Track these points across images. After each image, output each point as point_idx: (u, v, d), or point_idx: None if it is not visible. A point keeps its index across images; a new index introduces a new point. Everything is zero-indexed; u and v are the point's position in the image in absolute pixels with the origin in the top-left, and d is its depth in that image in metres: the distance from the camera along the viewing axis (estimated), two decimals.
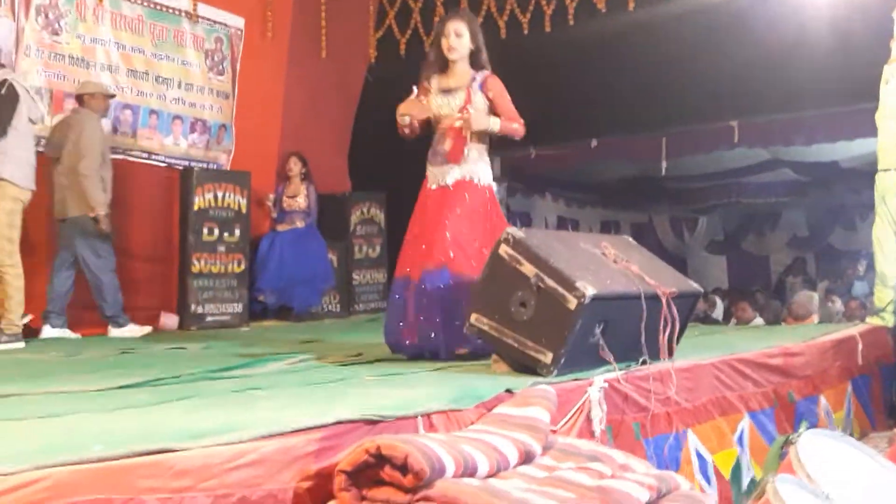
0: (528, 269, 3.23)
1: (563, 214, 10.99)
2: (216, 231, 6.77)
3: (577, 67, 7.72)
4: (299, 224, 7.40)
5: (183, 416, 2.30)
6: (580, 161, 9.48)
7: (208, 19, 7.26)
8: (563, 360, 3.16)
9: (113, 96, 6.18)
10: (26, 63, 6.10)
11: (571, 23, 7.44)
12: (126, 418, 2.34)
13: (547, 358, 3.16)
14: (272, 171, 7.68)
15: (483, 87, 3.99)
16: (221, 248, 6.81)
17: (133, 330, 5.82)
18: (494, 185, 4.07)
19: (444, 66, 4.02)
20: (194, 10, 7.12)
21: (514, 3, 7.79)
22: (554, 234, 4.22)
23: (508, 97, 4.03)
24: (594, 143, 8.69)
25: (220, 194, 6.88)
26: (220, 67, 7.42)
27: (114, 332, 5.77)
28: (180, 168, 6.97)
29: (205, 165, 7.16)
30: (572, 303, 3.11)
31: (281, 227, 7.40)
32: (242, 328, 6.70)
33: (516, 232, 3.33)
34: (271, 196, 7.45)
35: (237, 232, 6.91)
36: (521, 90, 7.58)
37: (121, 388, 3.02)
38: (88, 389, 2.96)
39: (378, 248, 8.19)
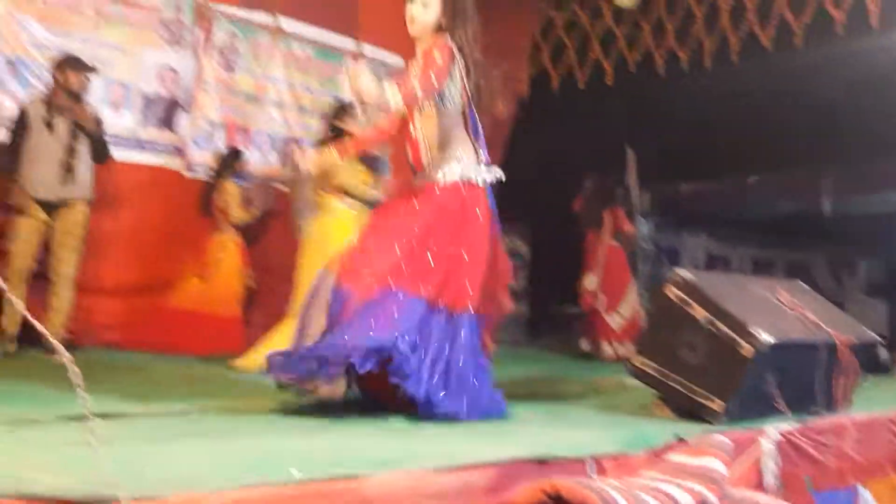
0: (698, 312, 3.14)
1: (713, 252, 10.64)
2: None
3: (734, 103, 7.51)
4: None
5: (363, 442, 2.37)
6: (733, 197, 9.18)
7: (370, 58, 7.56)
8: (733, 409, 3.05)
9: None
10: (204, 98, 6.55)
11: (735, 61, 7.25)
12: (307, 439, 2.43)
13: (716, 405, 3.06)
14: None
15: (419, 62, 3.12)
16: None
17: None
18: (473, 178, 3.23)
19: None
20: (359, 50, 7.42)
21: (672, 39, 7.68)
22: (725, 277, 4.09)
23: (438, 59, 3.11)
24: (751, 179, 8.40)
25: None
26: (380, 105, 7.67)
27: None
28: None
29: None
30: (747, 349, 3.00)
31: None
32: None
33: (685, 273, 3.25)
34: None
35: None
36: (675, 125, 7.50)
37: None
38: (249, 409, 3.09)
39: (522, 281, 8.19)
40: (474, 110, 3.39)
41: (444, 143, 3.19)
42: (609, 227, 6.74)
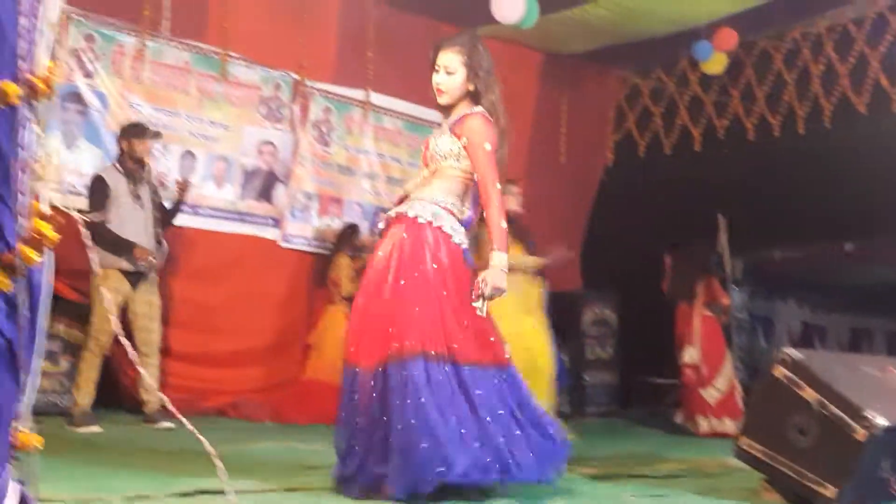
0: (808, 393, 3.05)
1: (808, 321, 10.28)
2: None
3: (828, 167, 7.33)
4: None
5: None
6: (829, 264, 8.88)
7: None
8: (847, 496, 2.93)
9: None
10: (300, 171, 6.79)
11: (827, 125, 7.14)
12: None
13: (829, 492, 2.94)
14: None
15: (456, 124, 3.10)
16: None
17: None
18: (450, 229, 3.05)
19: (444, 110, 3.22)
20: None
21: (763, 104, 7.62)
22: (834, 357, 3.97)
23: (487, 145, 3.04)
24: (849, 246, 8.13)
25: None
26: None
27: None
28: None
29: None
30: (860, 433, 2.90)
31: None
32: None
33: (794, 353, 3.17)
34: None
35: None
36: (767, 190, 7.35)
37: None
38: None
39: (610, 350, 8.08)
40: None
41: (433, 196, 3.09)
42: (703, 298, 6.61)
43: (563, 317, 7.69)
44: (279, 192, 6.69)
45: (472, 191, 3.12)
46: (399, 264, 2.98)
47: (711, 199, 7.64)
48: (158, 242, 5.21)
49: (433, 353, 2.84)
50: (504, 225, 2.99)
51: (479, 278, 2.94)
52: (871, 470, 2.99)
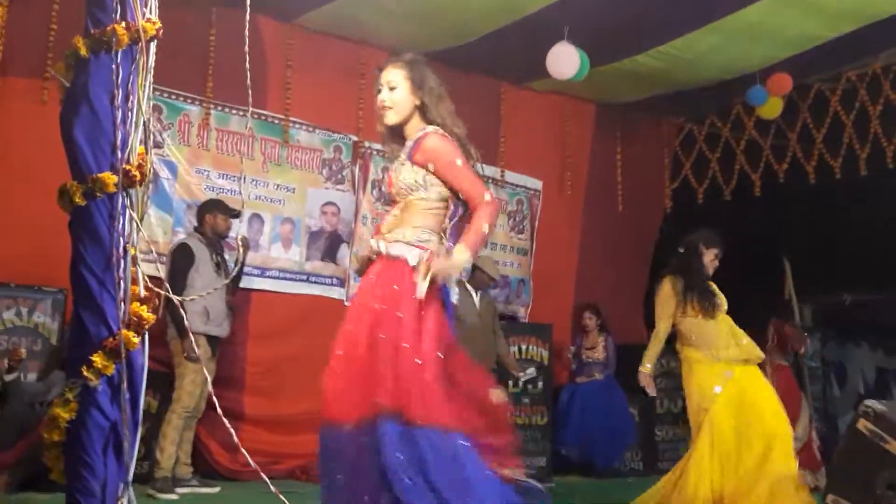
0: (895, 447, 2.96)
1: (882, 365, 9.95)
2: (520, 383, 6.96)
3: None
4: (598, 376, 7.38)
5: None
6: None
7: (511, 184, 7.79)
8: None
9: (494, 281, 6.63)
10: (363, 230, 6.90)
11: (890, 166, 7.02)
12: None
13: None
14: (568, 321, 7.83)
15: (413, 152, 2.86)
16: (526, 401, 6.98)
17: None
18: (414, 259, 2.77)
19: (395, 134, 3.00)
20: (502, 176, 7.68)
21: (822, 147, 7.53)
22: None
23: (456, 159, 2.82)
24: None
25: (522, 346, 7.12)
26: (521, 226, 7.86)
27: None
28: None
29: (507, 319, 7.48)
30: None
31: (580, 380, 7.42)
32: (548, 484, 6.70)
33: (877, 405, 3.09)
34: (571, 349, 7.55)
35: (540, 384, 7.05)
36: (832, 233, 7.22)
37: None
38: None
39: (680, 403, 7.90)
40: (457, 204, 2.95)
41: (407, 233, 2.83)
42: (775, 345, 6.47)
43: (630, 371, 7.57)
44: (343, 251, 6.80)
45: (450, 220, 2.88)
46: (379, 313, 2.72)
47: (775, 245, 7.54)
48: (229, 308, 5.38)
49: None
50: (486, 231, 2.77)
51: (433, 258, 2.72)
52: None
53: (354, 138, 6.92)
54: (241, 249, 5.39)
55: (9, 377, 4.98)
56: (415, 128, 2.91)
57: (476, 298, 6.43)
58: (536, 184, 7.97)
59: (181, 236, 5.69)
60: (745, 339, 4.52)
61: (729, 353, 4.42)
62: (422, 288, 2.67)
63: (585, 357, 7.50)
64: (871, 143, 7.23)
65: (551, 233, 7.94)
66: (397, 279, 2.73)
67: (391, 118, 2.93)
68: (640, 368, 4.62)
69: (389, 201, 3.00)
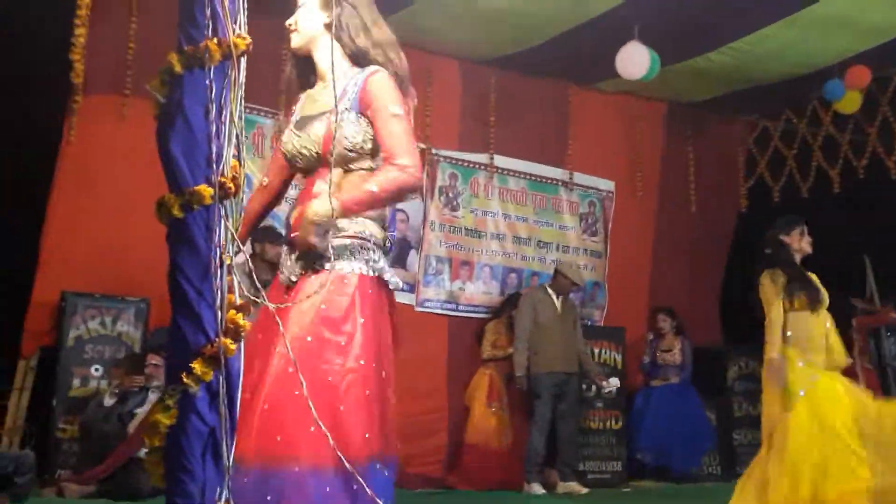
0: None
1: None
2: (594, 387, 6.89)
3: None
4: (674, 379, 7.25)
5: None
6: None
7: (582, 186, 7.73)
8: None
9: (577, 286, 6.66)
10: (431, 236, 6.95)
11: None
12: None
13: None
14: (643, 325, 7.73)
15: (361, 98, 2.29)
16: (600, 404, 6.91)
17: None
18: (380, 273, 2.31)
19: (307, 72, 2.44)
20: (570, 179, 7.64)
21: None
22: None
23: (394, 109, 2.27)
24: None
25: (596, 350, 7.05)
26: (594, 229, 7.79)
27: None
28: None
29: (581, 323, 7.41)
30: None
31: (655, 383, 7.32)
32: (623, 489, 6.62)
33: None
34: (645, 358, 7.41)
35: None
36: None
37: None
38: None
39: (760, 405, 7.70)
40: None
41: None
42: (860, 346, 6.28)
43: (706, 374, 7.44)
44: (412, 258, 6.85)
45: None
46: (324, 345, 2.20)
47: (855, 242, 7.30)
48: None
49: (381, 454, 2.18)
50: (372, 191, 2.20)
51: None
52: None
53: (423, 146, 6.95)
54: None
55: (109, 402, 5.15)
56: (327, 60, 2.28)
57: (557, 302, 6.44)
58: (609, 185, 7.90)
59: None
60: (836, 343, 4.36)
61: (817, 357, 4.27)
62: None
63: (661, 360, 7.38)
64: None
65: (625, 235, 7.85)
66: (360, 303, 2.24)
67: (294, 40, 2.40)
68: (769, 357, 4.41)
69: (301, 167, 2.37)
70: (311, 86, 2.44)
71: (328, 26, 2.33)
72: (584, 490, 6.16)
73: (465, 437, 6.41)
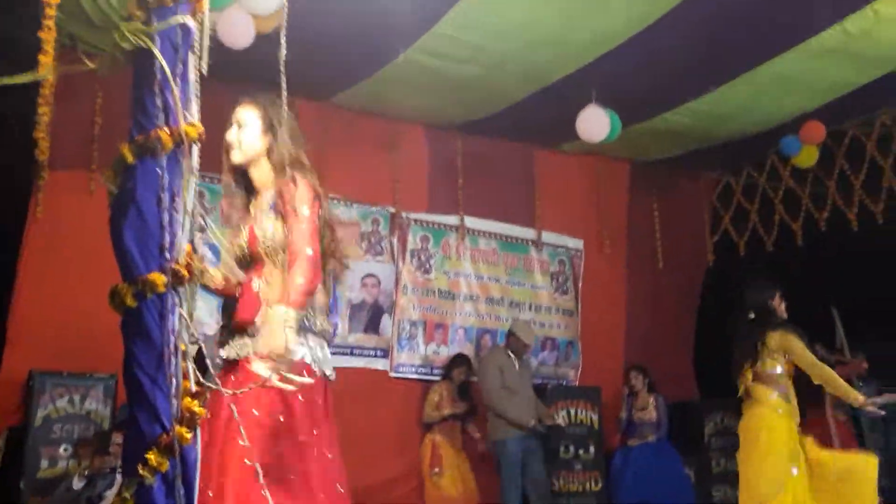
0: None
1: None
2: (572, 448, 6.85)
3: None
4: (650, 438, 7.21)
5: None
6: None
7: (552, 244, 7.81)
8: None
9: (528, 346, 6.65)
10: (404, 300, 6.95)
11: None
12: None
13: None
14: (619, 383, 7.72)
15: (277, 205, 2.61)
16: (578, 466, 6.86)
17: None
18: (314, 365, 2.55)
19: (245, 183, 2.75)
20: (539, 238, 7.71)
21: (862, 192, 7.44)
22: None
23: (305, 209, 2.56)
24: None
25: (572, 411, 7.03)
26: (565, 287, 7.84)
27: None
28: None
29: (556, 383, 7.41)
30: None
31: (632, 442, 7.26)
32: None
33: None
34: (622, 416, 7.39)
35: (592, 449, 6.95)
36: (883, 280, 7.06)
37: None
38: None
39: (736, 462, 7.68)
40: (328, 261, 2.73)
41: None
42: (832, 398, 6.31)
43: (682, 430, 7.43)
44: (385, 322, 6.84)
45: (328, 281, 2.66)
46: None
47: (821, 294, 7.39)
48: None
49: None
50: (301, 283, 2.44)
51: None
52: None
53: (392, 210, 7.02)
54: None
55: (78, 484, 5.05)
56: (263, 174, 2.69)
57: (517, 362, 6.44)
58: (577, 243, 7.98)
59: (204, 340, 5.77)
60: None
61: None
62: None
63: (637, 418, 7.36)
64: None
65: (596, 292, 7.90)
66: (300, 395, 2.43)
67: (235, 157, 2.70)
68: (855, 401, 4.57)
69: (243, 264, 2.68)
70: (252, 196, 2.76)
71: (268, 149, 2.69)
72: None
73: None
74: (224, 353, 2.55)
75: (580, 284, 7.91)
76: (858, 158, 7.44)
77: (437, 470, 6.33)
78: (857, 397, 4.57)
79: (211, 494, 2.18)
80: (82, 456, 5.24)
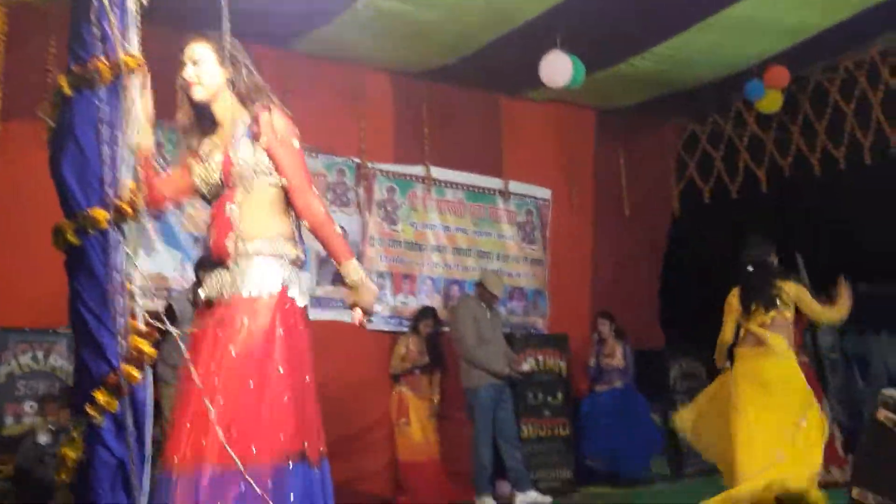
0: None
1: None
2: (540, 395, 6.92)
3: None
4: (617, 383, 7.32)
5: None
6: None
7: (519, 194, 7.79)
8: None
9: (496, 298, 6.60)
10: (371, 251, 6.91)
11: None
12: None
13: None
14: (586, 331, 7.79)
15: (253, 131, 2.60)
16: (547, 413, 6.93)
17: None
18: (296, 292, 2.60)
19: (202, 119, 2.70)
20: (506, 188, 7.68)
21: (825, 138, 7.49)
22: None
23: (295, 142, 2.63)
24: None
25: (540, 358, 7.08)
26: (532, 237, 7.85)
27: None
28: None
29: (524, 331, 7.45)
30: None
31: (599, 388, 7.37)
32: (573, 495, 6.65)
33: (894, 393, 3.05)
34: (591, 362, 7.47)
35: (560, 395, 7.02)
36: (845, 225, 7.18)
37: None
38: None
39: None
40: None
41: (260, 233, 2.56)
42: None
43: (648, 376, 7.53)
44: None
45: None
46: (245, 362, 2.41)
47: (785, 239, 7.47)
48: None
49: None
50: (339, 230, 2.64)
51: (351, 303, 2.59)
52: None
53: (357, 160, 6.94)
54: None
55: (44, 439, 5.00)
56: (226, 106, 2.65)
57: (488, 312, 6.45)
58: (545, 193, 7.96)
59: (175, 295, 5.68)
60: None
61: None
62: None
63: (604, 364, 7.45)
64: (874, 130, 7.18)
65: (563, 242, 7.92)
66: (272, 326, 2.49)
67: (197, 93, 2.62)
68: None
69: (208, 196, 2.64)
70: (210, 130, 2.69)
71: (229, 81, 2.63)
72: (547, 499, 6.15)
73: (398, 455, 6.38)
74: (204, 293, 2.53)
75: (548, 234, 7.91)
76: (822, 104, 7.48)
77: (404, 420, 6.39)
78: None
79: (189, 426, 2.23)
80: (48, 412, 5.19)
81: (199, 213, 6.13)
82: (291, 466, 2.35)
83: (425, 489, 6.14)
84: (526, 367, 6.74)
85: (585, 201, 8.11)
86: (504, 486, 6.33)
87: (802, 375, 4.71)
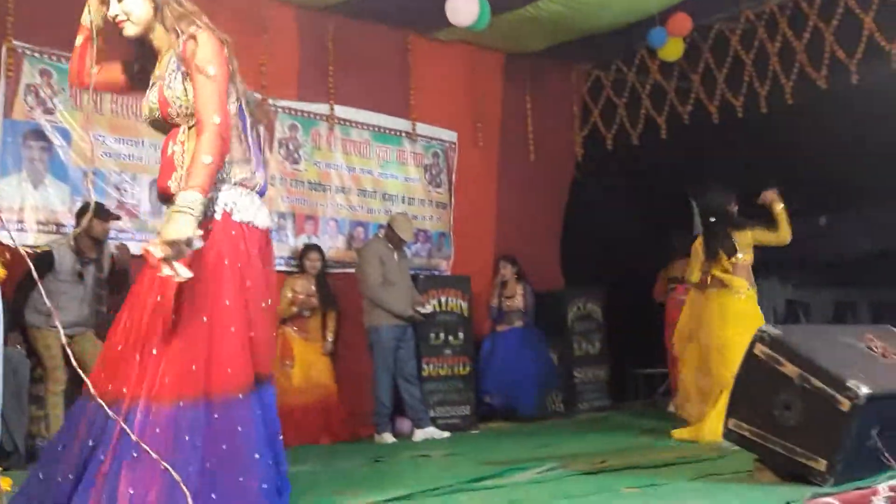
0: (789, 369, 3.07)
1: (791, 298, 10.35)
2: (442, 335, 6.99)
3: (797, 145, 7.41)
4: (518, 324, 7.48)
5: None
6: (807, 240, 8.92)
7: (426, 136, 7.73)
8: (839, 467, 2.94)
9: (404, 242, 6.58)
10: (272, 191, 6.74)
11: (790, 103, 7.21)
12: None
13: (821, 465, 2.96)
14: (489, 273, 7.88)
15: (182, 58, 2.55)
16: (448, 352, 7.01)
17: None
18: (248, 215, 2.57)
19: (145, 49, 2.68)
20: (413, 129, 7.61)
21: (724, 87, 7.68)
22: (812, 330, 4.00)
23: (211, 68, 2.52)
24: (823, 220, 8.21)
25: (443, 299, 7.13)
26: (438, 180, 7.82)
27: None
28: None
29: (429, 273, 7.47)
30: (845, 404, 2.92)
31: (500, 328, 7.51)
32: (472, 431, 6.78)
33: (772, 329, 3.19)
34: (493, 304, 7.57)
35: (461, 335, 7.10)
36: (736, 172, 7.40)
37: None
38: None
39: (598, 345, 8.08)
40: (245, 113, 2.72)
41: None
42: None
43: (548, 317, 7.72)
44: None
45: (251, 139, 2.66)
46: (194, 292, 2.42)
47: (682, 186, 7.69)
48: (96, 316, 5.34)
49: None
50: (208, 162, 2.41)
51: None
52: (861, 440, 3.00)
53: (259, 96, 6.72)
54: (118, 260, 5.41)
55: None
56: (161, 36, 2.61)
57: (395, 254, 6.43)
58: (451, 136, 7.92)
59: (55, 240, 5.42)
60: None
61: None
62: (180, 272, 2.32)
63: (506, 306, 7.58)
64: (771, 81, 7.40)
65: (469, 185, 7.92)
66: (221, 246, 2.50)
67: (129, 30, 2.60)
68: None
69: (158, 127, 2.66)
70: (153, 61, 2.67)
71: (156, 9, 2.60)
72: (445, 434, 6.24)
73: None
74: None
75: (454, 177, 7.91)
76: (723, 53, 7.66)
77: (287, 363, 6.31)
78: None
79: (120, 348, 2.40)
80: None
81: (88, 145, 5.85)
82: (242, 397, 2.41)
83: (306, 431, 6.01)
84: (429, 308, 6.77)
85: (491, 145, 8.12)
86: (404, 424, 6.40)
87: (761, 312, 5.29)
